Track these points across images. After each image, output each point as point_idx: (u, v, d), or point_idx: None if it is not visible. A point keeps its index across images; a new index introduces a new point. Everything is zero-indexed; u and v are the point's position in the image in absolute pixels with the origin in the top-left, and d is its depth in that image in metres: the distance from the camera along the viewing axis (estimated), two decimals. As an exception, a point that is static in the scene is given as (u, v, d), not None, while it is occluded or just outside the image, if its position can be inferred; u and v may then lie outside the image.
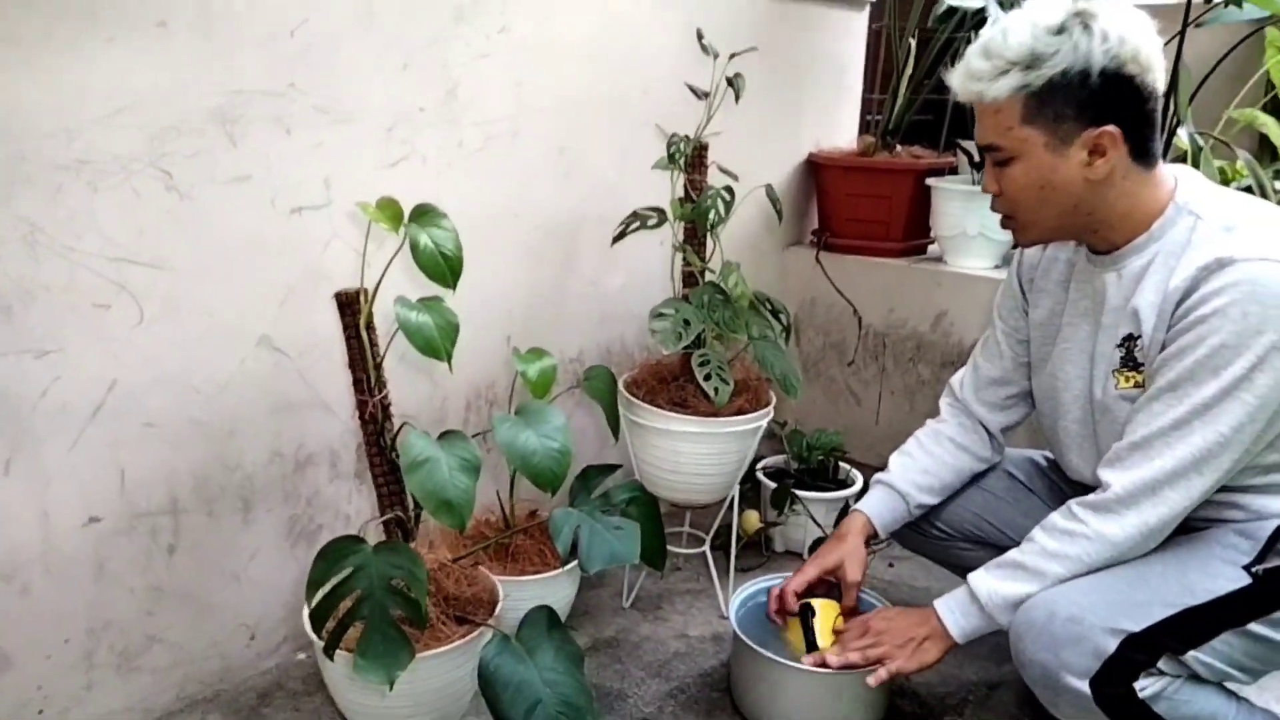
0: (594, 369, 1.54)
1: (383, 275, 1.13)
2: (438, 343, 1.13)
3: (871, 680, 1.24)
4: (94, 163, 1.15)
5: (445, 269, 1.15)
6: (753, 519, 1.88)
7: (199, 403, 1.32)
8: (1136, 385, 1.15)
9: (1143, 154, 1.12)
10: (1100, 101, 1.08)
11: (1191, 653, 1.07)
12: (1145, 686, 1.07)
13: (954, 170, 2.28)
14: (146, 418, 1.27)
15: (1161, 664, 1.07)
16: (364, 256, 1.15)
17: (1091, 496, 1.15)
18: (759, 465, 1.92)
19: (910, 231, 2.22)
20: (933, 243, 2.26)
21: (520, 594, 1.39)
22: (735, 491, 1.64)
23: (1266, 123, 1.95)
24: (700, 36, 1.57)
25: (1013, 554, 1.18)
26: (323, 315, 1.36)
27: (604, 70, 1.76)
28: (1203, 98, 2.13)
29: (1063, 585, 1.13)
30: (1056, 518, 1.17)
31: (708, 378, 1.49)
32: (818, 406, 2.36)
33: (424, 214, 1.16)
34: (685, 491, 1.59)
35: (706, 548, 1.69)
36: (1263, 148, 2.01)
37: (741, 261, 2.17)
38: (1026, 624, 1.12)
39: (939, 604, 1.23)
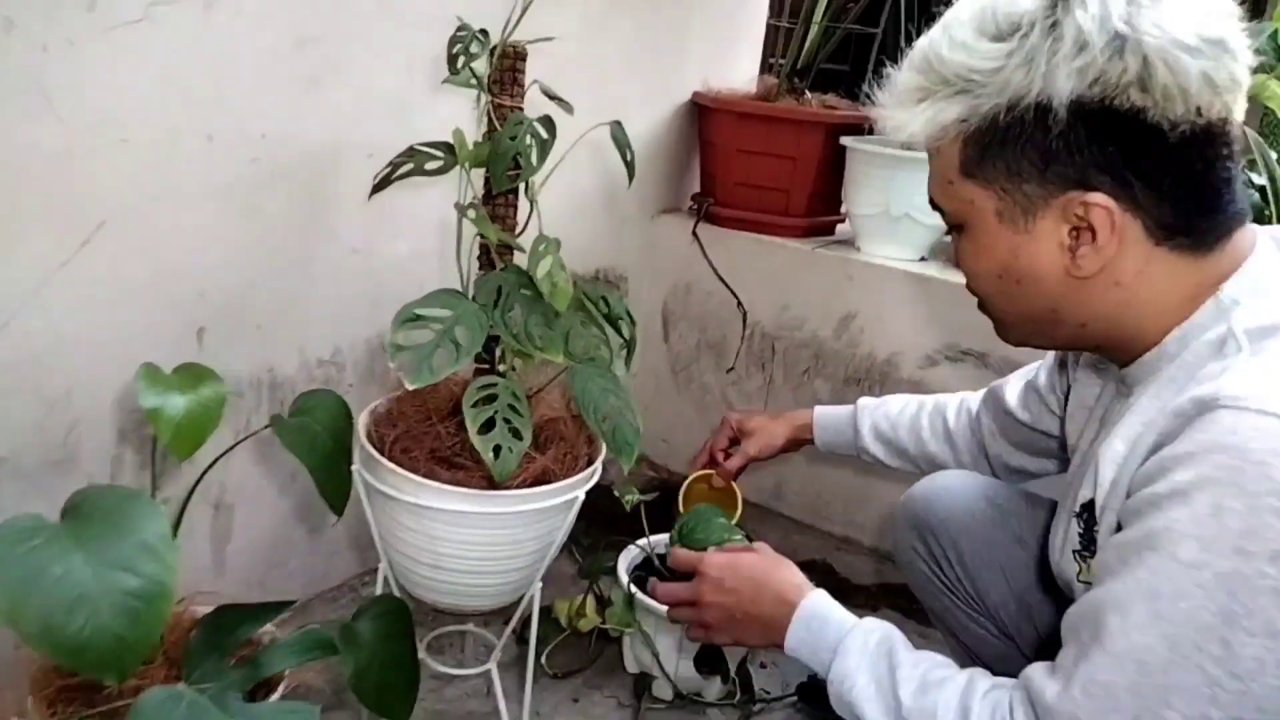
0: (310, 397, 0.96)
1: None
2: None
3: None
4: None
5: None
6: (590, 611, 1.34)
7: None
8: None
9: (1179, 232, 0.71)
10: (1077, 152, 0.69)
11: None
12: None
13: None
14: None
15: None
16: None
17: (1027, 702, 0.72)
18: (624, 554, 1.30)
19: (817, 205, 1.81)
20: (845, 221, 1.85)
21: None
22: (536, 589, 1.08)
23: (1276, 93, 1.51)
24: None
25: (901, 675, 0.77)
26: None
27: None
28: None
29: None
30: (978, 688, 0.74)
31: (487, 427, 0.91)
32: (685, 420, 1.88)
33: None
34: (454, 595, 1.02)
35: (493, 664, 1.13)
36: (1264, 123, 1.61)
37: (586, 233, 1.65)
38: None
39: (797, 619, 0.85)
